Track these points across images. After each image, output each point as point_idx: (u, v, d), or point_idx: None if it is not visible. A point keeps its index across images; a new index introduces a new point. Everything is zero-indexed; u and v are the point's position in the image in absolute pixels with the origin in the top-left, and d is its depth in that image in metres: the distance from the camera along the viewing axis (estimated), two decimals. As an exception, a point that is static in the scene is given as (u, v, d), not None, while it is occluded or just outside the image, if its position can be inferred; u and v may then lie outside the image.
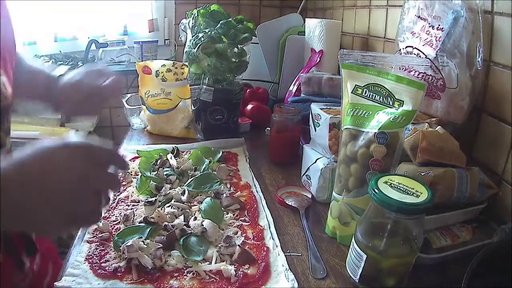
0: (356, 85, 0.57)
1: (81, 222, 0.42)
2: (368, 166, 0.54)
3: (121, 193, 0.72)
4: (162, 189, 0.71)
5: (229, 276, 0.52)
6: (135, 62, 1.44)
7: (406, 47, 0.78)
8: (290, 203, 0.71)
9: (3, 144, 0.60)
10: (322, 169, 0.70)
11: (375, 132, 0.53)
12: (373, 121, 0.54)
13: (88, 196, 0.39)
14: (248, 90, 1.18)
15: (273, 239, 0.60)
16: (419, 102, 0.53)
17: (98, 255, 0.55)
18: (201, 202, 0.67)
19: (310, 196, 0.74)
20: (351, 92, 0.57)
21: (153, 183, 0.72)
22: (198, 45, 0.95)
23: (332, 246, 0.61)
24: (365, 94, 0.56)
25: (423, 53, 0.73)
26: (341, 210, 0.59)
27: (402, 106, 0.53)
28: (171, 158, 0.83)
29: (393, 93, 0.54)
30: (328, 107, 0.75)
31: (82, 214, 0.40)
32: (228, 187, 0.76)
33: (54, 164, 0.38)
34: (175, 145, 0.90)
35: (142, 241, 0.56)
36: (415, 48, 0.75)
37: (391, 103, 0.54)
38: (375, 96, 0.56)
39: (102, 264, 0.53)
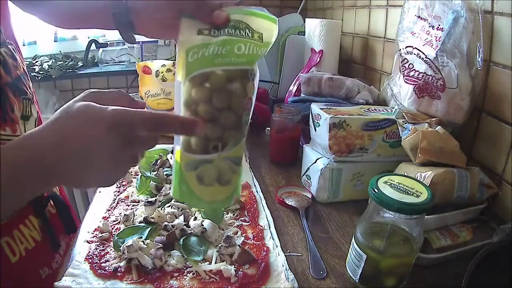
0: (199, 28, 0.45)
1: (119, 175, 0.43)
2: (244, 108, 0.46)
3: (121, 193, 0.72)
4: (162, 189, 0.71)
5: (229, 276, 0.52)
6: (135, 62, 1.44)
7: (406, 47, 0.78)
8: (290, 203, 0.71)
9: (31, 114, 0.62)
10: (322, 169, 0.70)
11: (250, 69, 0.45)
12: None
13: (124, 162, 0.41)
14: (248, 90, 1.18)
15: (273, 239, 0.60)
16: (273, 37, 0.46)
17: (98, 255, 0.55)
18: (201, 202, 0.67)
19: (310, 196, 0.74)
20: (194, 35, 0.44)
21: (153, 183, 0.72)
22: (198, 45, 0.95)
23: (332, 246, 0.61)
24: (214, 33, 0.44)
25: (423, 53, 0.73)
26: (220, 169, 0.48)
27: (262, 39, 0.45)
28: (171, 158, 0.83)
29: (250, 25, 0.45)
30: (328, 107, 0.75)
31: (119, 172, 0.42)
32: (228, 187, 0.76)
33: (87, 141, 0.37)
34: (175, 145, 0.90)
35: (142, 241, 0.56)
36: (415, 48, 0.75)
37: (250, 35, 0.45)
38: (232, 30, 0.44)
39: (102, 264, 0.53)
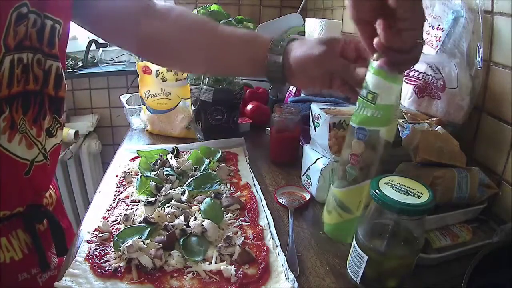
0: None
1: None
2: (348, 161, 0.53)
3: (121, 193, 0.72)
4: (162, 189, 0.71)
5: (229, 276, 0.52)
6: (135, 62, 1.44)
7: (406, 47, 0.78)
8: (281, 201, 0.71)
9: (55, 136, 0.62)
10: (322, 169, 0.70)
11: (355, 127, 0.51)
12: (355, 116, 0.52)
13: None
14: (248, 90, 1.18)
15: (273, 239, 0.60)
16: (396, 97, 0.49)
17: (98, 255, 0.55)
18: (201, 202, 0.67)
19: (308, 196, 0.74)
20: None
21: (153, 183, 0.72)
22: (198, 45, 0.95)
23: (332, 246, 0.61)
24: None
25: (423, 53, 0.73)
26: (328, 198, 0.57)
27: (376, 99, 0.49)
28: (171, 158, 0.83)
29: (369, 84, 0.49)
30: (328, 107, 0.75)
31: None
32: (228, 187, 0.76)
33: None
34: (175, 145, 0.90)
35: (142, 241, 0.56)
36: (415, 48, 0.75)
37: (365, 96, 0.50)
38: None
39: (102, 264, 0.53)
